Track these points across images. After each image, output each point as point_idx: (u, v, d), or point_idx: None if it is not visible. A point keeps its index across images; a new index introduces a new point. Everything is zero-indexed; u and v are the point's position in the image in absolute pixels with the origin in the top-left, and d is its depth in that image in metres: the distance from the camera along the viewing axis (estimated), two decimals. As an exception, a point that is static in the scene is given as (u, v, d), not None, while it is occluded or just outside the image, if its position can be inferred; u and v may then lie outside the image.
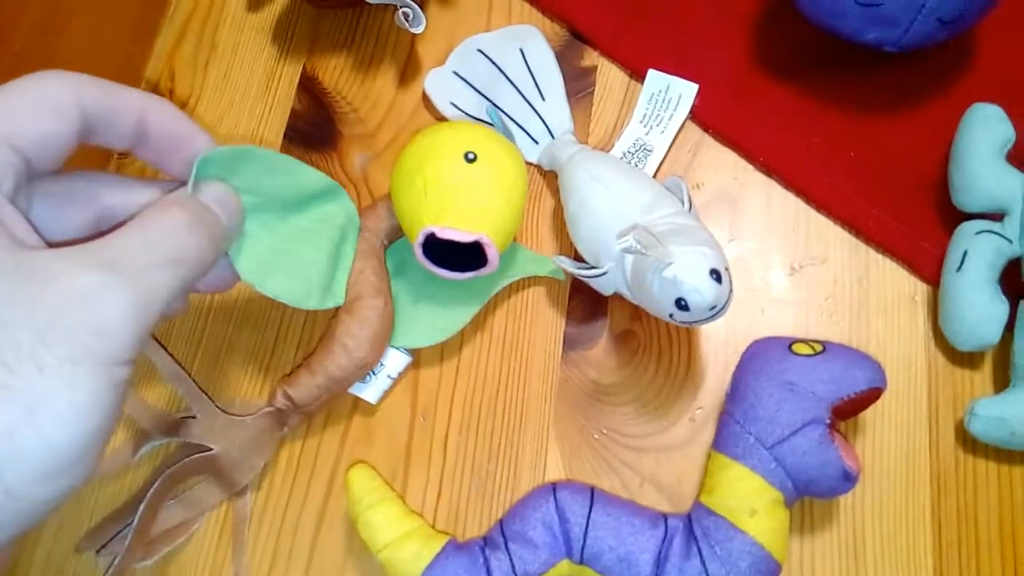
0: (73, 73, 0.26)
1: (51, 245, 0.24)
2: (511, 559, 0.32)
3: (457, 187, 0.33)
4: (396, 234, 0.37)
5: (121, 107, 0.26)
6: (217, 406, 0.36)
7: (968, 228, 0.36)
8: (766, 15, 0.43)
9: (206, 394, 0.37)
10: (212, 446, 0.35)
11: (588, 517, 0.33)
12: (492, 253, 0.34)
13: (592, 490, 0.34)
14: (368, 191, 0.42)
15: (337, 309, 0.35)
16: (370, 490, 0.34)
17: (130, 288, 0.23)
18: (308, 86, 0.45)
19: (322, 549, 0.36)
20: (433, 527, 0.35)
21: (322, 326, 0.40)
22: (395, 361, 0.37)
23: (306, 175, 0.33)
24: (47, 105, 0.25)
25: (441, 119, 0.43)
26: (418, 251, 0.34)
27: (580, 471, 0.36)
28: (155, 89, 0.46)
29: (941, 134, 0.39)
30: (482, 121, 0.41)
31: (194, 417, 0.36)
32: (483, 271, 0.34)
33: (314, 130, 0.44)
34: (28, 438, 0.20)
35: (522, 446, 0.37)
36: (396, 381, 0.37)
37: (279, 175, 0.32)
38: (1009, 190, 0.36)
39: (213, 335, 0.40)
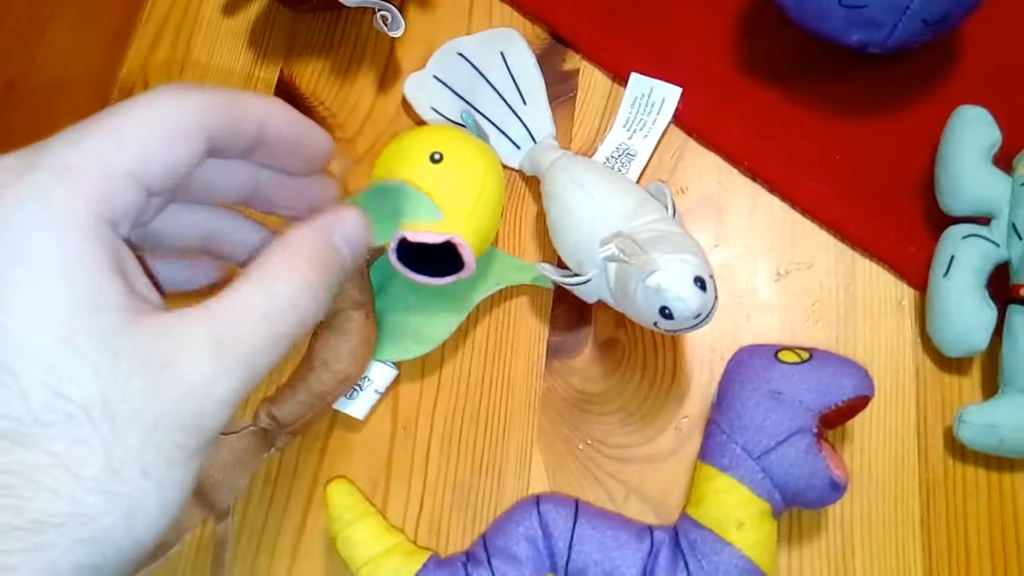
0: (197, 90, 0.23)
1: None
2: (494, 575, 0.31)
3: (425, 189, 0.33)
4: (379, 249, 0.37)
5: (242, 122, 0.24)
6: None
7: (955, 232, 0.36)
8: (750, 17, 0.42)
9: None
10: None
11: (572, 531, 0.32)
12: (467, 254, 0.33)
13: (576, 503, 0.33)
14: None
15: (319, 324, 0.35)
16: (349, 506, 0.34)
17: (237, 375, 0.21)
18: (285, 91, 0.44)
19: (301, 567, 0.35)
20: (414, 543, 0.34)
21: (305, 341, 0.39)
22: (381, 375, 0.36)
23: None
24: (176, 134, 0.22)
25: (421, 124, 0.42)
26: (392, 257, 0.33)
27: (564, 483, 0.36)
28: (129, 95, 0.45)
29: (927, 137, 0.38)
30: (457, 124, 0.40)
31: None
32: (461, 274, 0.34)
33: (291, 136, 0.43)
34: (123, 541, 0.20)
35: (505, 458, 0.36)
36: (383, 396, 0.37)
37: None
38: (996, 193, 0.35)
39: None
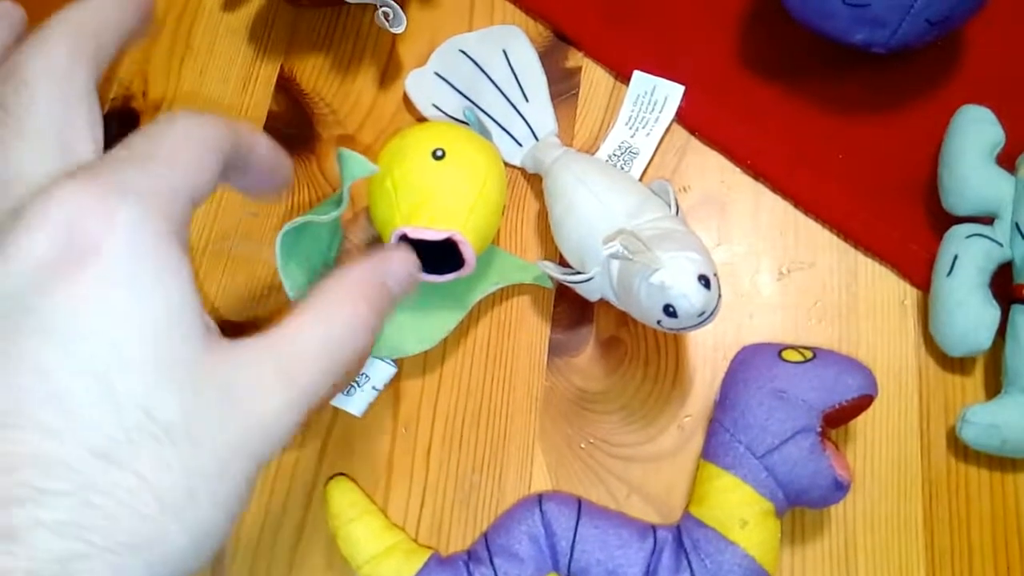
0: (212, 119, 0.24)
1: None
2: (496, 574, 0.31)
3: (426, 185, 0.33)
4: (378, 245, 0.36)
5: (241, 149, 0.25)
6: None
7: (958, 232, 0.36)
8: (753, 16, 0.42)
9: None
10: None
11: (575, 530, 0.32)
12: (467, 251, 0.33)
13: (579, 502, 0.33)
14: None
15: None
16: (350, 504, 0.33)
17: (302, 405, 0.22)
18: (286, 87, 0.44)
19: (300, 565, 0.35)
20: (415, 541, 0.34)
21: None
22: (380, 372, 0.36)
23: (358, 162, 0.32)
24: (209, 152, 0.23)
25: (423, 121, 0.42)
26: None
27: (566, 481, 0.35)
28: (128, 91, 0.44)
29: (930, 136, 0.38)
30: (462, 123, 0.40)
31: None
32: (462, 272, 0.33)
33: (292, 132, 0.43)
34: (187, 565, 0.20)
35: (507, 456, 0.36)
36: (381, 392, 0.36)
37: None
38: (999, 193, 0.35)
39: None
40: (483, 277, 0.37)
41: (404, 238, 0.32)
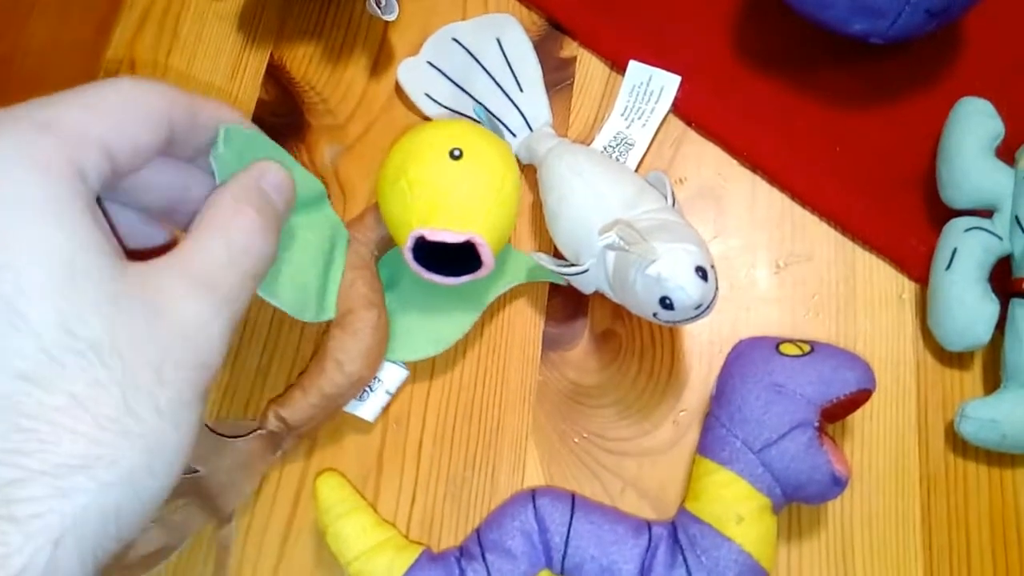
0: (162, 83, 0.25)
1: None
2: (488, 570, 0.31)
3: (444, 186, 0.32)
4: (387, 244, 0.36)
5: (200, 121, 0.26)
6: (207, 425, 0.34)
7: (957, 225, 0.35)
8: (751, 5, 0.42)
9: None
10: (198, 468, 0.32)
11: (569, 525, 0.31)
12: (486, 253, 0.32)
13: (573, 497, 0.32)
14: (338, 185, 0.40)
15: (329, 324, 0.33)
16: (340, 499, 0.33)
17: (225, 312, 0.23)
18: (275, 75, 0.43)
19: (289, 561, 0.34)
20: (406, 537, 0.34)
21: (314, 342, 0.37)
22: (392, 376, 0.35)
23: (299, 174, 0.31)
24: (142, 113, 0.23)
25: (415, 111, 0.41)
26: (408, 256, 0.32)
27: (560, 476, 0.35)
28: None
29: (929, 128, 0.38)
30: (460, 115, 0.40)
31: None
32: (479, 273, 0.33)
33: (282, 121, 0.42)
34: (145, 483, 0.20)
35: (500, 451, 0.35)
36: (394, 396, 0.35)
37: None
38: (998, 186, 0.35)
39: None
40: (498, 277, 0.36)
41: (421, 240, 0.32)
